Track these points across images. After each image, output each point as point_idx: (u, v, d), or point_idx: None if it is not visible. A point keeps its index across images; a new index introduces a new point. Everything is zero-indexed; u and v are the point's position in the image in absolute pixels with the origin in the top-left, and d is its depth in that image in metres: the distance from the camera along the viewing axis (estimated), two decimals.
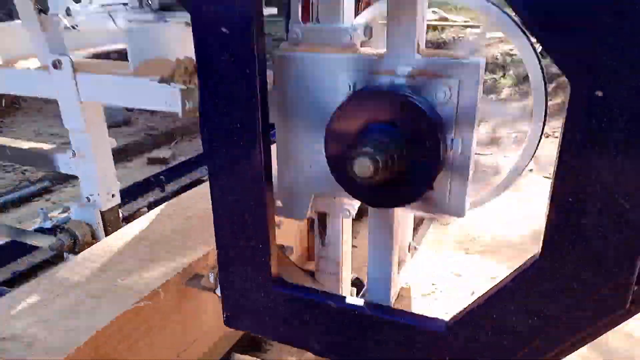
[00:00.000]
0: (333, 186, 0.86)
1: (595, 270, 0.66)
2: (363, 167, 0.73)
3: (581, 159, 0.62)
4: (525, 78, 3.15)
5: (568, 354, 0.75)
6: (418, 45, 0.80)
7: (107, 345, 1.01)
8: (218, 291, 0.99)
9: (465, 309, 0.78)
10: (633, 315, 0.68)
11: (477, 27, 7.07)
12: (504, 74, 6.09)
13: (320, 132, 0.84)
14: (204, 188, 1.58)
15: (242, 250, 0.86)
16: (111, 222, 1.57)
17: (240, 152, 0.79)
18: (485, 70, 0.83)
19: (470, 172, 0.84)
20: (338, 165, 0.83)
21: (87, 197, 1.52)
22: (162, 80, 1.27)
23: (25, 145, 1.73)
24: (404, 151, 0.77)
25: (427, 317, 0.83)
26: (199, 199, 1.60)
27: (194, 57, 0.77)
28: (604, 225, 0.63)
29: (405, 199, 0.83)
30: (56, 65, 1.36)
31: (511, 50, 6.24)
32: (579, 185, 0.63)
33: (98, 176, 1.50)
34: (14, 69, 1.51)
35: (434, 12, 6.19)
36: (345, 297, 0.93)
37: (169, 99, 1.29)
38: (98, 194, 1.52)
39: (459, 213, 0.85)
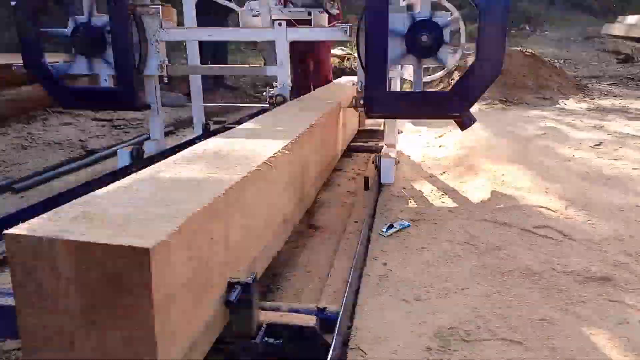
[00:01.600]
0: None
1: None
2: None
3: None
4: None
5: None
6: None
7: None
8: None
9: None
10: None
11: None
12: None
13: None
14: None
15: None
16: None
17: None
18: None
19: None
20: None
21: (282, 84, 2.78)
22: None
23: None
24: None
25: None
26: None
27: None
28: None
29: None
30: (280, 24, 2.68)
31: None
32: None
33: (287, 74, 2.79)
34: (253, 28, 3.06)
35: (341, 49, 7.53)
36: None
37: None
38: (287, 82, 2.80)
39: None
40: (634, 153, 3.32)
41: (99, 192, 1.05)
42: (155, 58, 2.72)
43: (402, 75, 3.12)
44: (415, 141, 3.92)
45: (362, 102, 2.42)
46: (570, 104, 5.66)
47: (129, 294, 0.81)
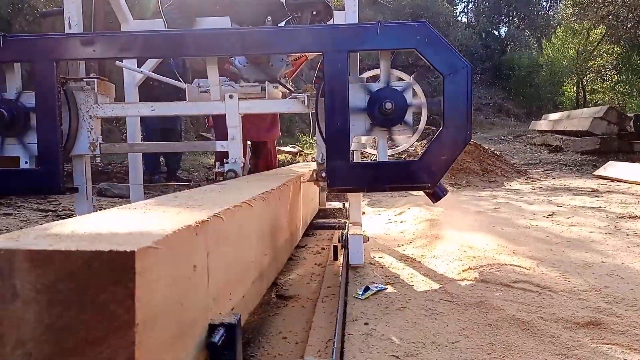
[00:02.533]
0: None
1: None
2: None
3: None
4: None
5: None
6: None
7: None
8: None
9: None
10: None
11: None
12: None
13: None
14: None
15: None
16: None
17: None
18: None
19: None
20: None
21: (234, 160, 2.41)
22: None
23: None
24: None
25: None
26: None
27: None
28: None
29: None
30: (231, 97, 2.37)
31: None
32: None
33: (240, 149, 2.43)
34: (207, 101, 2.56)
35: (293, 146, 8.04)
36: None
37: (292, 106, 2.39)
38: (239, 158, 2.42)
39: None
40: (587, 220, 3.46)
41: (64, 220, 0.93)
42: (87, 136, 2.42)
43: (364, 147, 3.12)
44: (376, 220, 3.93)
45: (323, 175, 2.18)
46: (516, 185, 5.97)
47: (106, 313, 0.67)
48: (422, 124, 2.72)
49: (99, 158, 2.55)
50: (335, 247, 2.59)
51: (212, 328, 0.98)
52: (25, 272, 0.69)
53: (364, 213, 3.94)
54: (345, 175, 2.16)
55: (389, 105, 2.10)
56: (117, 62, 3.00)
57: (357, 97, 2.15)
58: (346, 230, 2.72)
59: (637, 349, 1.42)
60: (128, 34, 2.46)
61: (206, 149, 2.82)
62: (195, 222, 0.93)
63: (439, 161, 2.12)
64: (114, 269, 0.67)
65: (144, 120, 6.14)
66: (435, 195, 2.21)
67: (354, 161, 2.69)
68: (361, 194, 2.84)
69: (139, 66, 3.16)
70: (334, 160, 2.13)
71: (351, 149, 2.28)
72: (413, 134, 2.56)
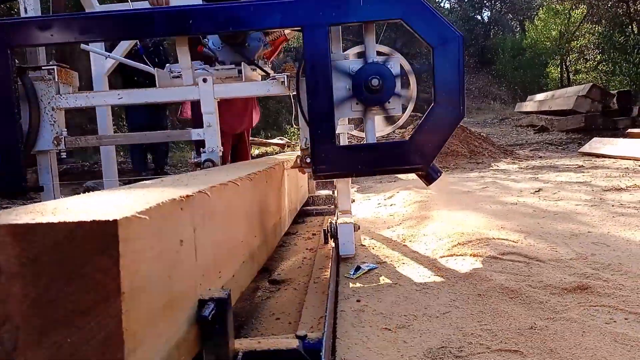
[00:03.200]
0: None
1: None
2: None
3: None
4: None
5: None
6: None
7: None
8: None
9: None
10: None
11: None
12: None
13: None
14: None
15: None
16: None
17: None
18: None
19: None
20: None
21: (212, 148, 2.24)
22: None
23: None
24: None
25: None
26: None
27: None
28: None
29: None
30: (205, 81, 2.19)
31: None
32: None
33: (217, 137, 2.25)
34: (177, 86, 2.33)
35: (281, 138, 7.95)
36: None
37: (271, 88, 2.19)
38: (217, 146, 2.24)
39: None
40: (573, 194, 3.50)
41: (47, 202, 0.93)
42: (50, 130, 2.21)
43: (350, 131, 3.02)
44: (366, 205, 3.94)
45: (308, 160, 2.03)
46: (503, 165, 6.01)
47: (92, 283, 0.67)
48: (412, 92, 2.47)
49: (64, 156, 2.29)
50: (325, 231, 2.60)
51: (202, 303, 0.99)
52: (8, 247, 0.68)
53: (353, 201, 3.95)
54: (332, 160, 1.97)
55: (375, 81, 1.94)
56: (83, 46, 2.72)
57: (340, 76, 1.98)
58: (335, 218, 2.61)
59: (623, 309, 1.45)
60: (87, 15, 2.27)
61: (181, 138, 2.51)
62: (180, 197, 0.93)
63: (431, 140, 1.95)
64: (97, 239, 0.67)
65: (128, 116, 6.09)
66: (429, 177, 2.03)
67: (341, 144, 2.54)
68: (349, 180, 2.70)
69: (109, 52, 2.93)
70: (318, 145, 1.96)
71: (337, 131, 2.06)
72: (408, 103, 2.40)
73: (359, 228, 2.50)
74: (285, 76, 2.13)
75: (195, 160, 2.27)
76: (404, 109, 2.29)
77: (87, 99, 2.26)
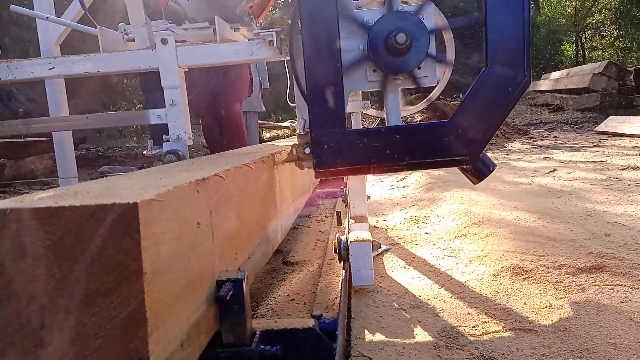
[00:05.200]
0: None
1: None
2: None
3: None
4: None
5: None
6: None
7: None
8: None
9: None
10: None
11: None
12: None
13: None
14: None
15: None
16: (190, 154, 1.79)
17: None
18: None
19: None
20: None
21: (177, 135, 1.75)
22: None
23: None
24: None
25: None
26: None
27: None
28: None
29: None
30: (165, 42, 1.69)
31: None
32: None
33: (184, 119, 1.76)
34: (126, 52, 1.78)
35: (292, 121, 7.43)
36: None
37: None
38: (185, 132, 1.75)
39: None
40: (588, 174, 3.47)
41: (67, 186, 0.95)
42: None
43: (366, 108, 2.02)
44: (378, 187, 3.94)
45: (307, 151, 1.43)
46: (517, 145, 5.96)
47: (114, 264, 0.69)
48: (450, 55, 1.68)
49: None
50: (338, 213, 2.61)
51: (220, 284, 1.01)
52: (33, 230, 0.70)
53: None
54: (339, 150, 1.37)
55: (401, 38, 1.31)
56: (14, 7, 2.15)
57: (352, 30, 1.37)
58: (345, 231, 1.99)
59: (639, 288, 1.44)
60: None
61: (136, 122, 1.99)
62: (196, 180, 0.95)
63: (483, 120, 1.33)
64: (118, 221, 0.69)
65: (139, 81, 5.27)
66: (478, 172, 1.43)
67: (352, 129, 1.54)
68: (365, 176, 2.02)
69: (58, 16, 2.23)
70: (321, 129, 1.37)
71: (346, 110, 1.42)
72: (446, 68, 1.71)
73: (379, 246, 2.00)
74: (274, 33, 1.59)
75: (153, 152, 1.79)
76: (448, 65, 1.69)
77: (9, 71, 1.79)
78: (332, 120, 1.37)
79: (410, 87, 1.48)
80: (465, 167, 1.38)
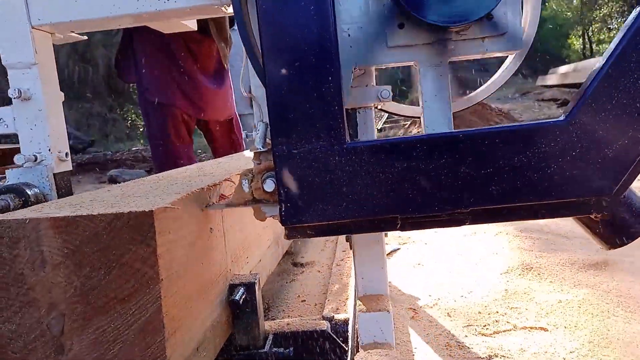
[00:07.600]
0: None
1: None
2: None
3: None
4: None
5: None
6: None
7: None
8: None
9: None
10: None
11: None
12: None
13: None
14: None
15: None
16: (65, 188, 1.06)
17: None
18: None
19: None
20: None
21: (34, 155, 1.03)
22: None
23: None
24: None
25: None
26: None
27: None
28: None
29: None
30: None
31: None
32: None
33: (49, 125, 1.01)
34: None
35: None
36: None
37: None
38: (49, 150, 1.02)
39: None
40: None
41: (81, 194, 0.97)
42: None
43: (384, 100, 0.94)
44: None
45: (267, 187, 0.77)
46: None
47: (131, 271, 0.71)
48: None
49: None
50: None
51: (233, 287, 1.02)
52: (51, 239, 0.72)
53: None
54: (336, 185, 0.68)
55: None
56: None
57: None
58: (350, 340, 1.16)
59: None
60: None
61: None
62: (208, 186, 0.96)
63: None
64: (135, 229, 0.71)
65: None
66: (622, 232, 0.71)
67: (360, 140, 0.93)
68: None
69: None
70: (296, 142, 0.69)
71: (346, 104, 0.71)
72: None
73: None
74: None
75: None
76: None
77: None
78: (318, 124, 0.69)
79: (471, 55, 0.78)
80: (594, 217, 0.71)
